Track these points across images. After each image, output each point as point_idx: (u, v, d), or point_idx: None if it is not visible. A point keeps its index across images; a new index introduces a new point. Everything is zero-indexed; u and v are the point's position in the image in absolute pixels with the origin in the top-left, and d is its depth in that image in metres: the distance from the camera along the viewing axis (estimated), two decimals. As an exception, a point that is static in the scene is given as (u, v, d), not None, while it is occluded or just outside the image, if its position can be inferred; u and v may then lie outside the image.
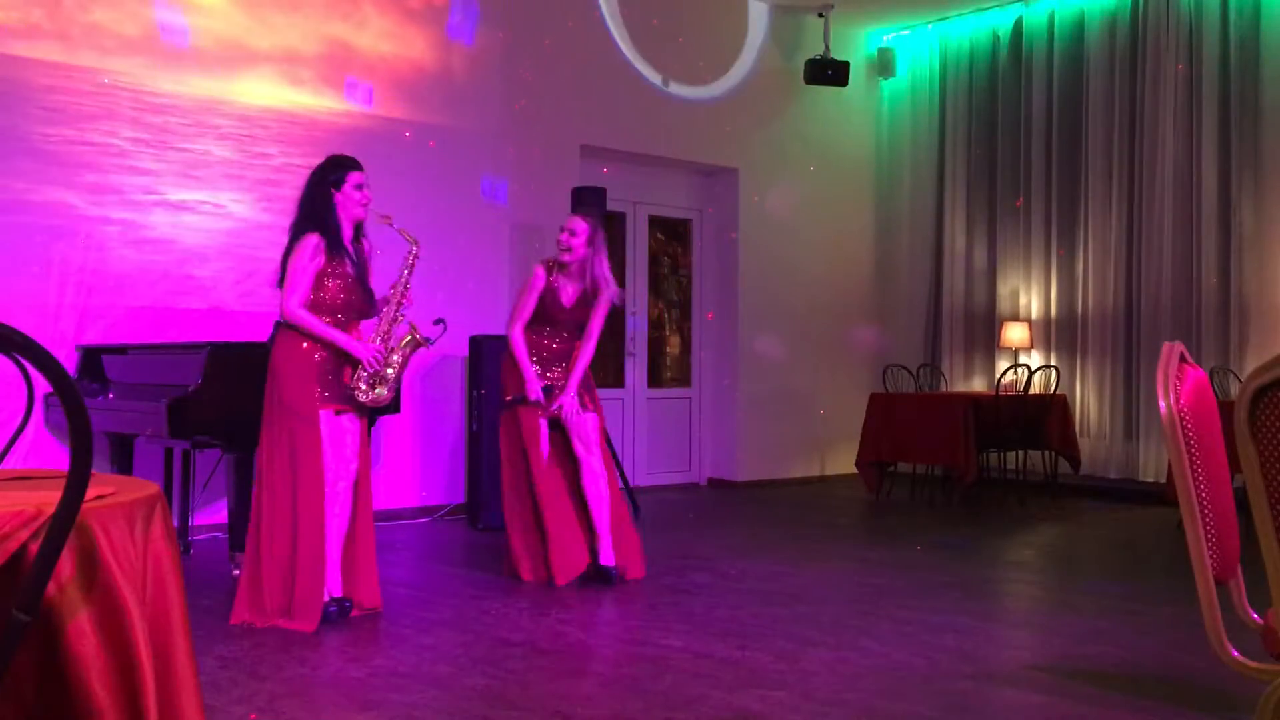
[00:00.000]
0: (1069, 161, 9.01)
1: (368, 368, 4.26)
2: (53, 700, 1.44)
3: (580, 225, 5.15)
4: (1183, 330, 8.26)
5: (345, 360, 4.30)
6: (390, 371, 4.31)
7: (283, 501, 4.18)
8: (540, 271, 5.17)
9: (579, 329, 5.21)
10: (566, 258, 5.12)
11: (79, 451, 1.31)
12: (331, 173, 4.34)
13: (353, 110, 6.89)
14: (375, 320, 4.40)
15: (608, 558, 5.07)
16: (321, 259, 4.25)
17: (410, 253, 4.45)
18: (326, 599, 4.23)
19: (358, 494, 4.39)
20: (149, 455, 5.98)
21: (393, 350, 4.35)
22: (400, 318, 4.40)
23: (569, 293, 5.15)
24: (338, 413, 4.31)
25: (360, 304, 4.35)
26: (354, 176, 4.34)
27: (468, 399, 7.16)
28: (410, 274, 4.44)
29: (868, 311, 10.03)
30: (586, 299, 5.18)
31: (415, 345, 4.39)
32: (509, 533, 5.17)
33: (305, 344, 4.25)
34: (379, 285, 4.50)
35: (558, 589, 4.89)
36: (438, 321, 4.52)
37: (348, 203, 4.32)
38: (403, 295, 4.41)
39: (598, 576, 5.03)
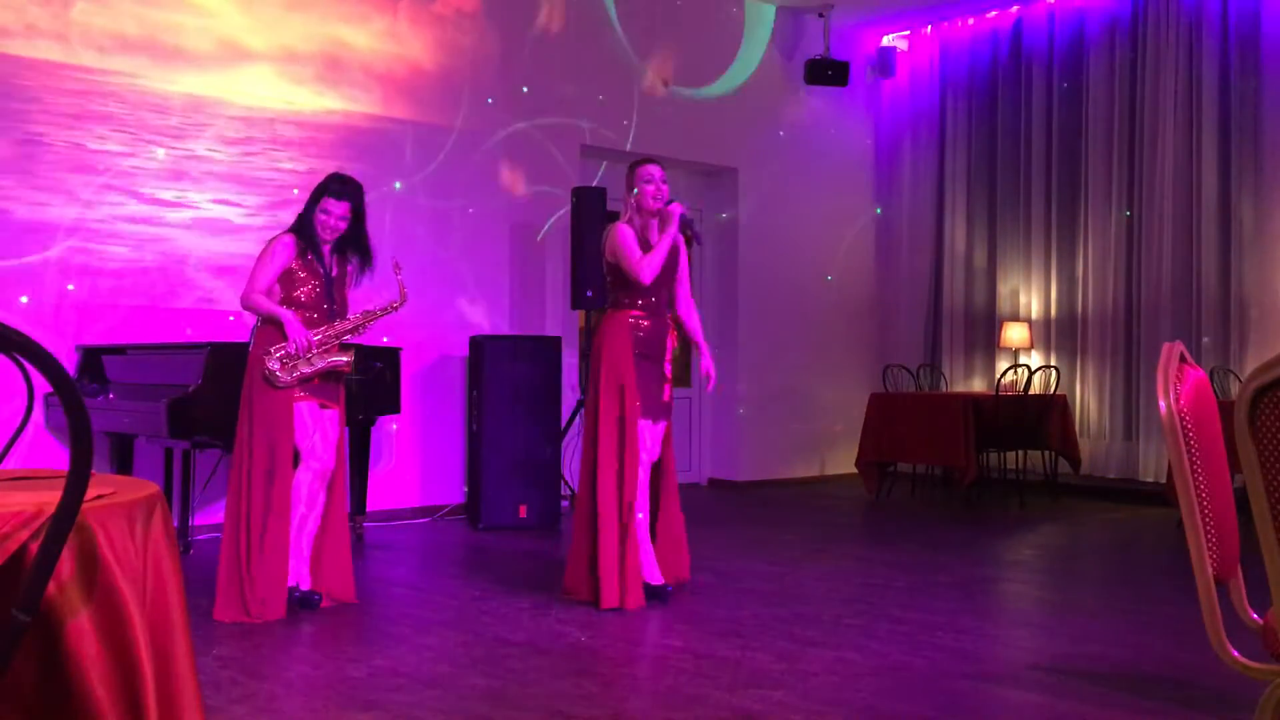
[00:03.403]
0: (1069, 161, 9.01)
1: (289, 348, 4.30)
2: (53, 700, 1.43)
3: (657, 170, 4.59)
4: (1183, 330, 8.26)
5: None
6: (305, 367, 4.34)
7: (252, 494, 4.26)
8: (626, 227, 4.57)
9: (668, 293, 4.67)
10: (658, 204, 4.58)
11: (79, 451, 1.31)
12: (313, 193, 4.47)
13: (352, 110, 6.89)
14: (329, 325, 4.46)
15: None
16: (293, 259, 4.39)
17: (394, 301, 4.56)
18: (299, 590, 4.38)
19: (333, 488, 4.48)
20: (149, 455, 5.99)
21: (325, 348, 4.38)
22: (347, 339, 4.49)
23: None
24: (322, 406, 4.44)
25: (324, 310, 4.45)
26: (326, 202, 4.42)
27: (468, 399, 7.15)
28: (381, 316, 4.56)
29: (868, 311, 10.03)
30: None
31: (333, 366, 4.40)
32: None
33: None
34: (355, 304, 4.65)
35: (556, 591, 4.88)
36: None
37: (319, 225, 4.43)
38: (364, 323, 4.51)
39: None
